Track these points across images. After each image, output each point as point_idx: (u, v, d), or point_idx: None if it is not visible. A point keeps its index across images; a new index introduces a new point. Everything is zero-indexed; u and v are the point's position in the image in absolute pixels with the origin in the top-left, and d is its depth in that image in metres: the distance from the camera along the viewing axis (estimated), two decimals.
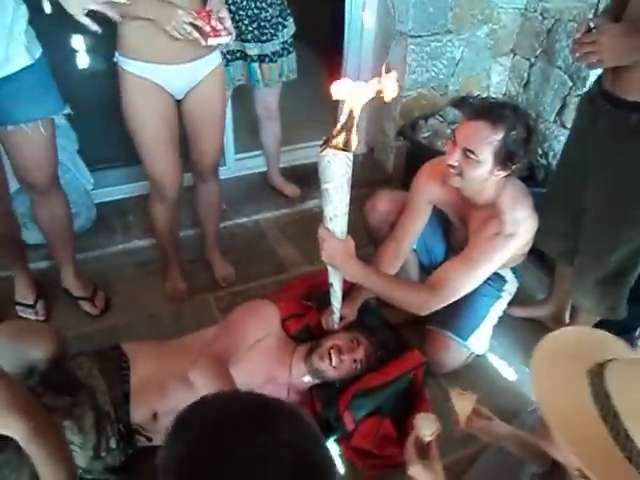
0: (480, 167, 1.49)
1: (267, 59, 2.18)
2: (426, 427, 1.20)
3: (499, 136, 1.45)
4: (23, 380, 1.48)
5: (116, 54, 1.63)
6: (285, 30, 2.18)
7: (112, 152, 2.52)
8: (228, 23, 1.56)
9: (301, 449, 0.65)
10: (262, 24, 2.10)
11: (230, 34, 1.57)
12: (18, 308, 2.01)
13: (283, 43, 2.20)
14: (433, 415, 1.24)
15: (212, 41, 1.54)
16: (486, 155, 1.47)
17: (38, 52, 1.56)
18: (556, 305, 2.00)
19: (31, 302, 2.01)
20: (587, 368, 0.84)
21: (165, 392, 1.46)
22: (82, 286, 2.06)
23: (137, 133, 1.71)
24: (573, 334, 1.00)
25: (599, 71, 2.22)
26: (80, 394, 1.38)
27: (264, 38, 2.12)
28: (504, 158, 1.48)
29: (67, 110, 1.73)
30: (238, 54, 2.16)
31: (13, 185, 1.90)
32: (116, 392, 1.44)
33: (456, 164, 1.52)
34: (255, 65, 2.19)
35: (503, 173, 1.52)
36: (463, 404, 1.24)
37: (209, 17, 1.52)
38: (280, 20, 2.15)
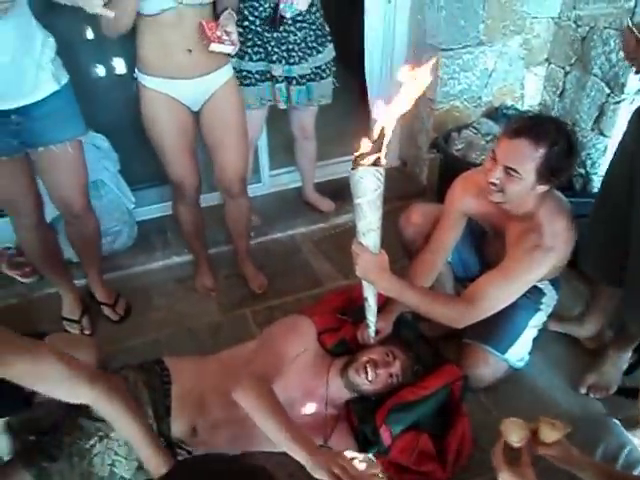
0: (522, 183, 1.48)
1: (294, 81, 2.19)
2: (514, 432, 1.16)
3: (541, 153, 1.44)
4: None
5: (135, 71, 1.78)
6: (320, 55, 2.18)
7: (151, 172, 2.59)
8: (234, 36, 1.68)
9: None
10: (290, 47, 2.11)
11: (234, 45, 1.69)
12: (65, 323, 2.10)
13: (316, 68, 2.20)
14: (521, 420, 1.20)
15: (214, 46, 1.65)
16: (529, 172, 1.46)
17: (65, 79, 1.68)
18: (594, 325, 1.94)
19: (77, 317, 2.10)
20: None
21: (204, 407, 1.49)
22: (106, 293, 2.17)
23: (156, 142, 1.87)
24: None
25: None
26: None
27: (292, 60, 2.14)
28: (547, 173, 1.46)
29: (90, 133, 1.95)
30: (267, 74, 2.18)
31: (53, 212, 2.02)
32: (158, 405, 1.48)
33: (497, 182, 1.51)
34: (282, 86, 2.21)
35: (545, 187, 1.51)
36: (551, 434, 1.15)
37: (216, 28, 1.66)
38: (315, 45, 2.16)
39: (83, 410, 1.36)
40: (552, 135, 1.44)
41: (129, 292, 2.26)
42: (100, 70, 2.38)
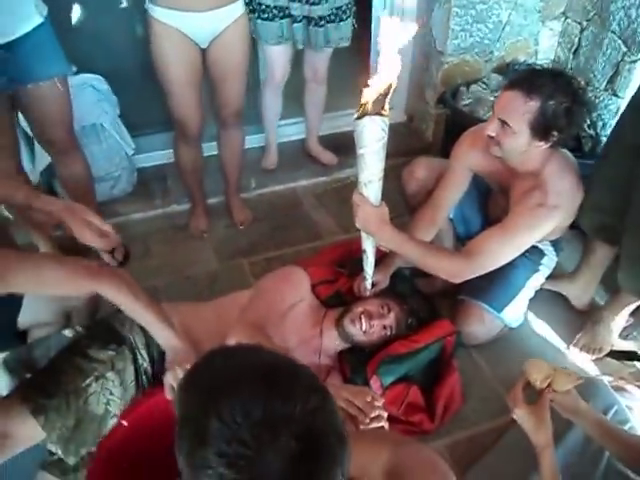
0: (517, 138, 1.46)
1: (313, 22, 2.13)
2: (538, 372, 1.19)
3: (534, 106, 1.40)
4: (62, 328, 1.56)
5: (146, 1, 1.74)
6: None
7: (153, 117, 2.55)
8: None
9: (314, 424, 0.60)
10: None
11: None
12: None
13: (336, 9, 2.13)
14: (545, 361, 1.23)
15: None
16: (521, 126, 1.43)
17: (45, 10, 1.65)
18: (582, 284, 1.93)
19: None
20: None
21: (199, 353, 1.50)
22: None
23: (163, 76, 1.84)
24: None
25: None
26: (122, 348, 1.43)
27: (312, 0, 2.07)
28: (542, 129, 1.43)
29: (74, 69, 1.95)
30: (286, 11, 2.11)
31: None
32: (153, 350, 1.49)
33: (493, 134, 1.49)
34: (300, 26, 2.15)
35: (544, 144, 1.47)
36: (565, 383, 1.19)
37: None
38: None
39: (79, 350, 1.38)
40: (548, 89, 1.40)
41: (127, 239, 2.19)
42: (100, 6, 2.30)
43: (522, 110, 1.41)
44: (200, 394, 0.63)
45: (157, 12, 1.72)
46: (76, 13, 2.25)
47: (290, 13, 2.11)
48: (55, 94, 1.71)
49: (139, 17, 2.31)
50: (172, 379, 1.30)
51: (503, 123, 1.46)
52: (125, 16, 2.34)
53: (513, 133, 1.45)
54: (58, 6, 2.06)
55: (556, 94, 1.40)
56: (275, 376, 0.63)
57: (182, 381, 0.69)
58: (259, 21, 2.10)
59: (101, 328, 1.49)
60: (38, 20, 1.59)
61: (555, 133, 1.45)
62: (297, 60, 2.40)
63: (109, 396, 1.37)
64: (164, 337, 1.37)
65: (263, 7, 2.07)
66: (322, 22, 2.14)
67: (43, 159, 2.12)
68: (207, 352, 0.69)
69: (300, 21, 2.14)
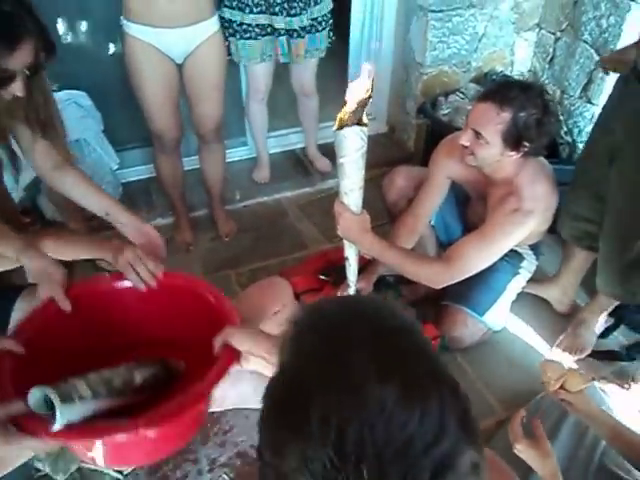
0: (489, 148, 1.50)
1: (295, 34, 2.16)
2: (550, 371, 1.23)
3: (506, 117, 1.44)
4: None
5: (122, 18, 1.77)
6: (317, 7, 2.14)
7: (137, 132, 2.56)
8: None
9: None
10: None
11: None
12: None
13: (313, 20, 2.16)
14: (558, 362, 1.27)
15: None
16: (493, 137, 1.47)
17: None
18: (562, 287, 1.97)
19: None
20: None
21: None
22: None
23: (139, 91, 1.88)
24: None
25: (628, 45, 2.18)
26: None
27: (293, 12, 2.09)
28: (514, 140, 1.47)
29: (54, 86, 1.95)
30: (268, 29, 2.14)
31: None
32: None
33: (467, 144, 1.53)
34: (283, 40, 2.18)
35: (516, 154, 1.51)
36: (577, 383, 1.23)
37: None
38: None
39: None
40: (519, 101, 1.44)
41: None
42: (83, 26, 2.32)
43: (495, 121, 1.46)
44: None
45: (132, 28, 1.75)
46: (58, 30, 2.27)
47: (273, 28, 2.14)
48: None
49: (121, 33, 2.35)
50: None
51: (476, 133, 1.50)
52: (108, 32, 2.36)
53: (486, 143, 1.49)
54: None
55: (527, 106, 1.44)
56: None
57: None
58: (241, 42, 2.11)
59: None
60: None
61: (526, 143, 1.49)
62: (285, 72, 2.43)
63: None
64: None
65: (244, 27, 2.09)
66: (303, 33, 2.17)
67: (27, 175, 2.12)
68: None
69: (283, 35, 2.17)
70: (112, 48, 2.40)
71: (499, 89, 1.50)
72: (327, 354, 0.52)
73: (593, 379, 1.27)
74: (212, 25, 1.85)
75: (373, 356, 0.50)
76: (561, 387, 1.24)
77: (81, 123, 2.25)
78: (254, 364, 0.96)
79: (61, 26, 2.28)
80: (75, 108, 2.23)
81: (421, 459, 0.46)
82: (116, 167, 2.47)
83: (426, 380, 0.50)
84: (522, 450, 1.13)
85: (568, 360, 1.83)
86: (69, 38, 2.30)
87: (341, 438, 0.46)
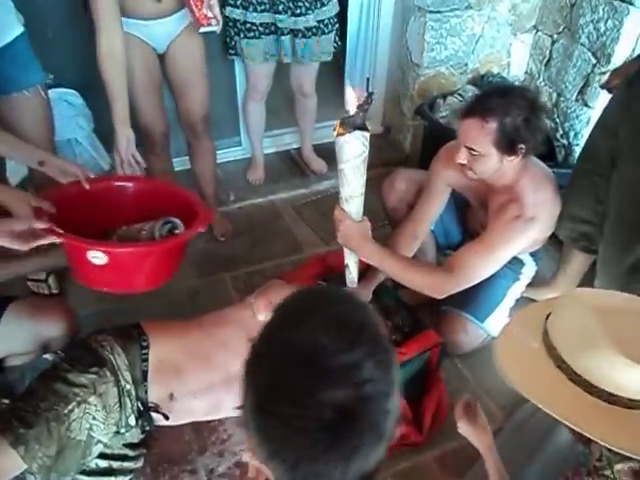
0: (487, 160, 1.49)
1: (300, 34, 2.12)
2: None
3: (493, 127, 1.44)
4: (39, 356, 1.52)
5: None
6: (324, 8, 2.11)
7: None
8: (216, 11, 1.75)
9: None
10: None
11: (218, 23, 1.77)
12: (30, 284, 2.04)
13: (319, 22, 2.13)
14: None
15: (203, 29, 1.76)
16: (487, 148, 1.47)
17: (22, 20, 1.67)
18: (560, 291, 1.95)
19: (43, 277, 2.03)
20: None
21: (182, 374, 1.47)
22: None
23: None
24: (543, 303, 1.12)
25: (627, 49, 2.19)
26: (104, 370, 1.40)
27: (298, 12, 2.06)
28: (507, 145, 1.46)
29: (51, 76, 1.98)
30: (272, 27, 2.11)
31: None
32: (136, 371, 1.46)
33: (465, 162, 1.53)
34: (287, 39, 2.15)
35: (515, 157, 1.50)
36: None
37: (202, 4, 1.70)
38: None
39: (59, 375, 1.34)
40: (500, 108, 1.44)
41: None
42: (72, 23, 2.26)
43: (483, 134, 1.45)
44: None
45: None
46: (48, 27, 2.21)
47: (276, 27, 2.11)
48: (38, 102, 1.73)
49: None
50: None
51: (470, 150, 1.50)
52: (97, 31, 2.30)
53: (482, 156, 1.49)
54: (31, 19, 2.02)
55: (510, 110, 1.44)
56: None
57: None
58: (245, 41, 2.10)
59: (80, 350, 1.44)
60: (19, 29, 1.61)
61: (522, 145, 1.48)
62: (284, 71, 2.40)
63: (92, 421, 1.33)
64: None
65: (248, 26, 2.07)
66: (309, 34, 2.14)
67: (17, 173, 2.07)
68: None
69: (287, 34, 2.14)
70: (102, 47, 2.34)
71: (478, 102, 1.51)
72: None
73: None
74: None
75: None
76: None
77: (72, 122, 2.20)
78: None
79: (49, 24, 2.22)
80: (66, 107, 2.18)
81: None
82: (108, 167, 2.41)
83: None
84: (462, 427, 1.29)
85: None
86: (58, 35, 2.24)
87: None
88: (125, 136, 1.75)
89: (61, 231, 1.29)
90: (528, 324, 1.02)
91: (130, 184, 1.66)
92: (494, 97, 1.47)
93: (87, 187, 1.50)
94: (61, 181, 1.49)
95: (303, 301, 0.71)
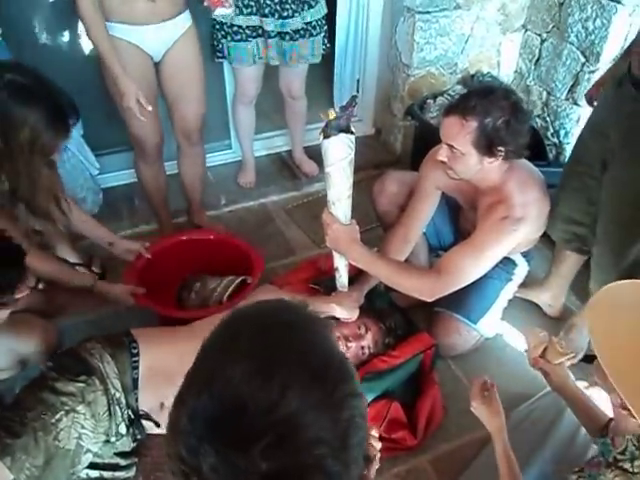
0: (466, 159, 1.49)
1: (287, 37, 2.11)
2: (532, 337, 1.32)
3: (472, 126, 1.44)
4: (18, 372, 1.51)
5: None
6: (311, 10, 2.10)
7: (117, 136, 2.49)
8: None
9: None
10: None
11: (231, 5, 1.87)
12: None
13: (307, 24, 2.12)
14: (543, 332, 1.35)
15: (219, 11, 1.88)
16: (466, 147, 1.47)
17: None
18: (552, 291, 1.97)
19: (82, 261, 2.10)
20: None
21: (173, 381, 1.44)
22: (78, 254, 2.12)
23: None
24: (632, 285, 1.06)
25: (615, 47, 2.19)
26: (92, 379, 1.38)
27: (285, 14, 2.05)
28: (486, 146, 1.46)
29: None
30: (259, 30, 2.10)
31: None
32: (126, 378, 1.44)
33: (445, 159, 1.53)
34: (274, 42, 2.13)
35: (494, 159, 1.50)
36: (557, 355, 1.29)
37: None
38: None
39: (46, 384, 1.32)
40: (480, 108, 1.44)
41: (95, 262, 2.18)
42: (59, 29, 2.25)
43: (463, 132, 1.45)
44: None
45: (113, 29, 1.71)
46: (34, 33, 2.19)
47: (263, 30, 2.09)
48: None
49: None
50: None
51: (451, 147, 1.50)
52: (82, 37, 2.29)
53: (462, 155, 1.49)
54: (16, 27, 2.01)
55: (491, 110, 1.43)
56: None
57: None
58: (232, 44, 2.08)
59: (68, 358, 1.42)
60: None
61: (501, 147, 1.47)
62: (273, 74, 2.39)
63: (80, 430, 1.32)
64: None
65: (235, 29, 2.06)
66: (296, 36, 2.13)
67: None
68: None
69: (274, 37, 2.13)
70: (89, 50, 2.33)
71: (460, 101, 1.51)
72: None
73: (574, 357, 1.32)
74: (187, 19, 1.84)
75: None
76: (542, 357, 1.31)
77: None
78: None
79: (37, 29, 2.20)
80: None
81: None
82: (97, 172, 2.40)
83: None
84: (477, 407, 1.29)
85: None
86: (46, 41, 2.22)
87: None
88: (129, 92, 1.73)
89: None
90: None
91: (194, 237, 2.08)
92: (476, 97, 1.47)
93: (148, 256, 1.86)
94: (128, 259, 1.86)
95: (235, 324, 0.62)
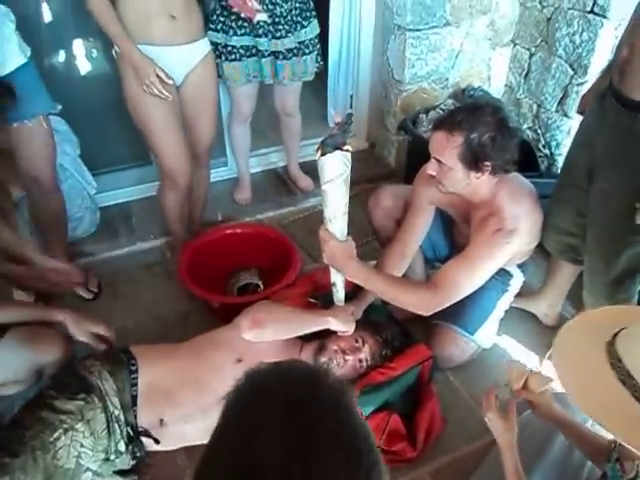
0: (453, 173, 1.52)
1: (281, 56, 2.15)
2: (514, 371, 1.29)
3: (458, 141, 1.46)
4: (33, 384, 1.50)
5: (115, 47, 1.72)
6: (303, 30, 2.13)
7: (114, 155, 2.53)
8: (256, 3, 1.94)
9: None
10: (277, 20, 2.05)
11: (264, 11, 1.97)
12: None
13: (300, 43, 2.16)
14: (522, 364, 1.32)
15: (259, 16, 1.97)
16: (452, 161, 1.49)
17: (29, 51, 1.69)
18: (550, 300, 1.98)
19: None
20: (606, 340, 0.93)
21: (172, 398, 1.46)
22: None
23: (146, 122, 1.80)
24: (601, 312, 1.10)
25: (602, 59, 2.23)
26: (91, 397, 1.38)
27: (278, 35, 2.09)
28: (472, 160, 1.48)
29: (59, 107, 1.97)
30: (253, 50, 2.13)
31: None
32: (125, 395, 1.45)
33: (434, 173, 1.55)
34: (268, 61, 2.17)
35: (481, 174, 1.52)
36: (540, 384, 1.27)
37: None
38: (299, 20, 2.11)
39: (45, 402, 1.33)
40: (467, 123, 1.46)
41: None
42: (59, 50, 2.28)
43: (449, 147, 1.48)
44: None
45: None
46: (39, 58, 2.23)
47: (257, 50, 2.13)
48: (41, 132, 1.76)
49: (98, 55, 2.31)
50: None
51: (439, 162, 1.52)
52: (82, 54, 2.32)
53: (449, 169, 1.51)
54: None
55: (476, 126, 1.46)
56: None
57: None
58: (226, 63, 2.12)
59: (67, 376, 1.43)
60: (21, 60, 1.63)
61: (487, 163, 1.49)
62: (269, 91, 2.42)
63: (80, 448, 1.32)
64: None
65: (229, 49, 2.09)
66: (289, 55, 2.16)
67: None
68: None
69: (268, 56, 2.16)
70: (89, 70, 2.36)
71: (447, 116, 1.54)
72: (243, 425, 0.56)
73: (552, 380, 1.28)
74: (206, 44, 1.89)
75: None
76: (524, 388, 1.29)
77: (57, 148, 2.19)
78: None
79: (35, 50, 2.23)
80: None
81: None
82: (94, 191, 2.42)
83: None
84: (492, 419, 1.26)
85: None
86: (43, 62, 2.26)
87: None
88: (145, 64, 1.68)
89: None
90: (591, 330, 1.00)
91: (239, 231, 2.26)
92: (463, 112, 1.50)
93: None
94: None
95: (259, 406, 0.57)
